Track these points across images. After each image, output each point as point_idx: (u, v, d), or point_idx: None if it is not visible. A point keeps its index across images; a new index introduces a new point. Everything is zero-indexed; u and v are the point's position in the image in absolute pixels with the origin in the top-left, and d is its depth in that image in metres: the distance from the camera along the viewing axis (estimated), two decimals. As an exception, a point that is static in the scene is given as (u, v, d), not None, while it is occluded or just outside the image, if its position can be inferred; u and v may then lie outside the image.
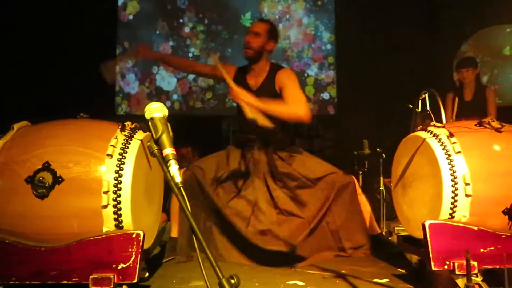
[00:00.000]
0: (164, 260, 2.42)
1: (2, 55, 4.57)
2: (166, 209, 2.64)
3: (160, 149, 1.23)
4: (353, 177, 2.68)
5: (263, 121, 2.37)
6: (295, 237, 2.41)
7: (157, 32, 6.17)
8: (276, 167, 2.59)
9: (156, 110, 1.30)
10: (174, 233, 2.58)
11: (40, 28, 5.13)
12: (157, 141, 1.24)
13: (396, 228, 3.04)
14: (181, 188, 1.15)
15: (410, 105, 3.54)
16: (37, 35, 5.09)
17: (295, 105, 2.52)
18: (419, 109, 3.50)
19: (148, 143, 1.26)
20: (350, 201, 2.59)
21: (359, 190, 2.66)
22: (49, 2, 5.27)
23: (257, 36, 2.71)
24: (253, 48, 2.70)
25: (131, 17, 6.20)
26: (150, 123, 1.27)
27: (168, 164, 1.19)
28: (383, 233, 2.94)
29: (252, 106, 2.38)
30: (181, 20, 6.18)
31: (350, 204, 2.59)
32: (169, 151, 1.21)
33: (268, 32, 2.75)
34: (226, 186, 2.57)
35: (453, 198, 1.78)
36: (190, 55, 6.13)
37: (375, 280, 2.03)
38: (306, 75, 6.00)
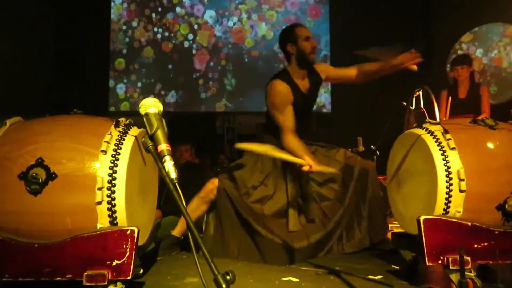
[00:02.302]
0: (158, 258, 2.41)
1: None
2: (160, 205, 2.63)
3: (155, 145, 1.22)
4: (373, 163, 2.79)
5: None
6: (329, 219, 2.53)
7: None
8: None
9: (151, 106, 1.29)
10: (176, 232, 2.57)
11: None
12: (152, 137, 1.23)
13: (390, 225, 3.06)
14: (176, 184, 1.14)
15: (404, 103, 3.57)
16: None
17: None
18: (413, 107, 3.53)
19: (143, 139, 1.24)
20: (373, 187, 2.66)
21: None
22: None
23: (316, 40, 2.78)
24: (316, 52, 2.76)
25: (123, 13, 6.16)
26: (144, 119, 1.26)
27: (163, 160, 1.18)
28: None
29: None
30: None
31: (373, 191, 2.66)
32: (164, 147, 1.20)
33: None
34: (260, 191, 2.56)
35: (447, 193, 1.79)
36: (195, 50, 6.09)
37: (370, 276, 2.04)
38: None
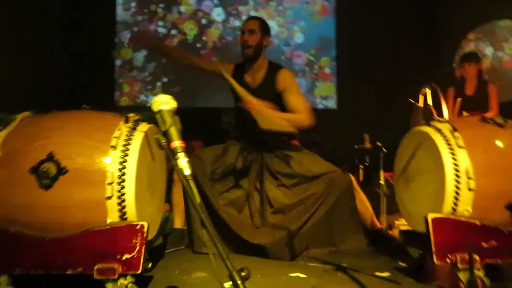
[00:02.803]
0: (167, 251, 2.43)
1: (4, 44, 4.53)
2: (169, 199, 2.64)
3: (168, 142, 1.22)
4: (351, 176, 2.64)
5: (277, 127, 2.48)
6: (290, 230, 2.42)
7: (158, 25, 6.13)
8: (270, 166, 2.59)
9: (164, 103, 1.29)
10: (177, 224, 2.58)
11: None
12: (165, 134, 1.23)
13: (396, 222, 3.06)
14: (190, 181, 1.15)
15: (411, 100, 3.55)
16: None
17: (301, 115, 2.60)
18: (421, 104, 3.50)
19: (156, 136, 1.25)
20: (348, 202, 2.56)
21: (357, 188, 2.63)
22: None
23: (253, 33, 2.71)
24: (252, 46, 2.70)
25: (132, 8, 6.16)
26: (158, 116, 1.26)
27: (176, 157, 1.18)
28: (383, 227, 2.95)
29: (263, 116, 2.43)
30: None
31: (347, 205, 2.56)
32: (177, 143, 1.21)
33: (261, 27, 2.75)
34: (221, 180, 2.56)
35: (456, 192, 1.79)
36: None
37: (377, 273, 2.05)
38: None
